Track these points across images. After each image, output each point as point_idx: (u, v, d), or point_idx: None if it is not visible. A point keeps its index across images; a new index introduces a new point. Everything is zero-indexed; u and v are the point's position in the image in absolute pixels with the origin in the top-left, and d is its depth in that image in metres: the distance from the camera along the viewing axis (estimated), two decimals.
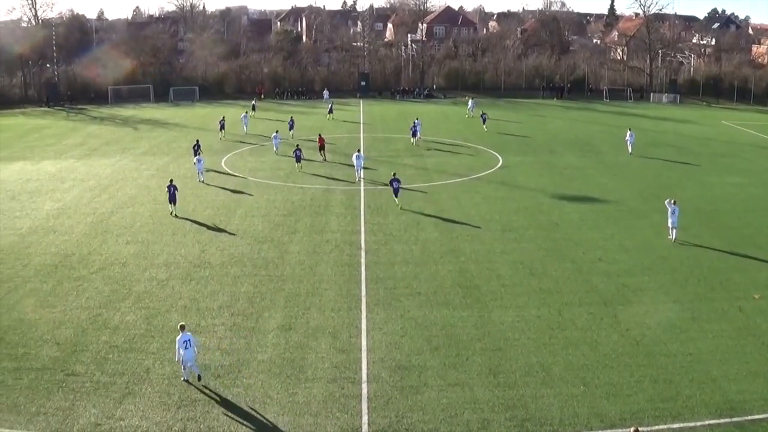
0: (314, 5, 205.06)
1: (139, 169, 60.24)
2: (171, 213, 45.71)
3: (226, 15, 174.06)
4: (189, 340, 25.06)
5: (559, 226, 42.83)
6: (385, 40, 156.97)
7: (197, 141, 63.13)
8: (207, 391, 24.70)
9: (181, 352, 24.93)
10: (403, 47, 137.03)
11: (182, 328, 25.56)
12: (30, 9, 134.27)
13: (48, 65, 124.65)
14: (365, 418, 23.10)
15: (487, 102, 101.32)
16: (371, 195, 49.14)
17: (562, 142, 69.73)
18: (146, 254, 38.91)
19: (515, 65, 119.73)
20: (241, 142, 71.33)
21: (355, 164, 54.29)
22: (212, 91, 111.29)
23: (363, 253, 37.91)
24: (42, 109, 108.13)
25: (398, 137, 72.33)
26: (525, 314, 30.48)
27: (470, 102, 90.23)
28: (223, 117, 76.80)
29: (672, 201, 40.26)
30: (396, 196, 46.96)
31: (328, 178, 54.53)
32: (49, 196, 52.43)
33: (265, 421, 23.09)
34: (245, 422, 23.00)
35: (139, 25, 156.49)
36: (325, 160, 61.11)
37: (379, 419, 23.02)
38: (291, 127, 73.25)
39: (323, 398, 24.16)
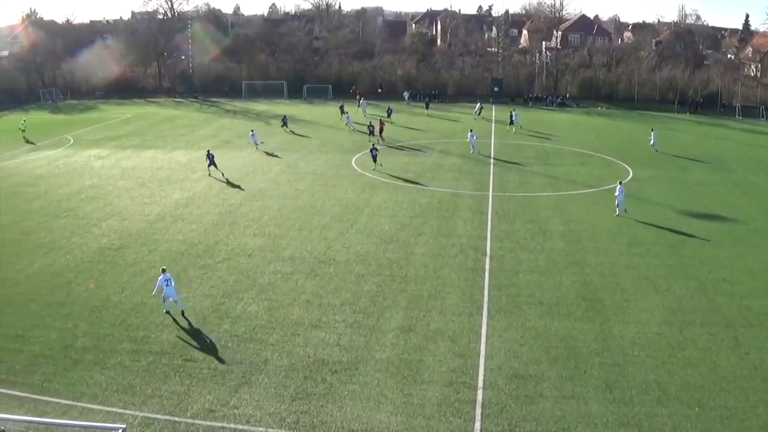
0: (449, 8, 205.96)
1: (269, 164, 62.28)
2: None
3: (361, 15, 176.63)
4: (169, 279, 31.04)
5: (685, 243, 41.68)
6: (520, 46, 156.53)
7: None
8: (323, 386, 25.36)
9: (164, 288, 30.91)
10: (537, 54, 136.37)
11: (164, 270, 31.68)
12: (166, 1, 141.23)
13: (183, 57, 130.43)
14: (478, 425, 23.21)
15: (619, 113, 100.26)
16: (500, 201, 49.12)
17: (692, 158, 67.81)
18: (272, 247, 40.28)
19: (649, 77, 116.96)
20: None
21: (470, 141, 63.92)
22: (345, 90, 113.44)
23: (488, 259, 37.97)
24: (175, 99, 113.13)
25: (528, 144, 71.92)
26: (646, 331, 29.90)
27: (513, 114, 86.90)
28: (371, 123, 76.74)
29: None
30: (375, 161, 57.75)
31: (457, 180, 54.85)
32: (179, 185, 55.23)
33: (378, 419, 23.52)
34: (358, 419, 23.47)
35: (274, 22, 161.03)
36: (381, 141, 70.66)
37: (492, 426, 23.10)
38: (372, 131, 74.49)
39: (438, 401, 24.42)
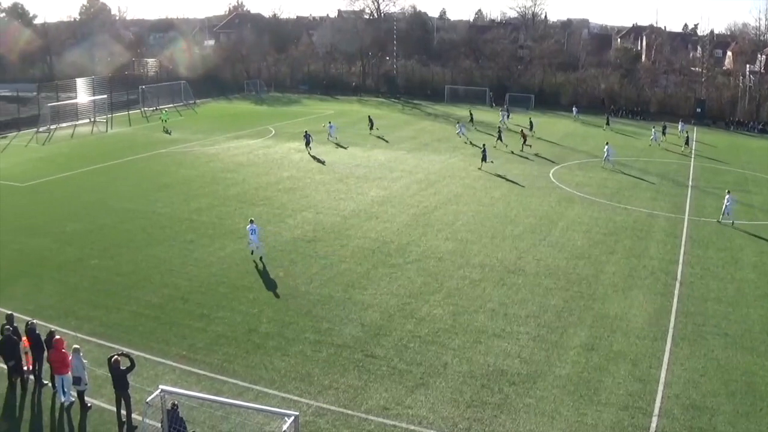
0: (655, 25, 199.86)
1: (467, 169, 62.37)
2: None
3: (567, 26, 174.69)
4: (255, 229, 38.49)
5: None
6: (724, 67, 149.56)
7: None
8: (499, 396, 25.10)
9: (250, 236, 38.44)
10: (741, 77, 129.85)
11: (251, 221, 39.45)
12: (373, 2, 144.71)
13: (387, 58, 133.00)
14: None
15: None
16: (694, 225, 46.99)
17: None
18: (463, 252, 40.27)
19: None
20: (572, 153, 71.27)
21: (606, 154, 64.92)
22: (548, 101, 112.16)
23: (678, 285, 36.47)
24: (377, 99, 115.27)
25: (727, 169, 68.25)
26: None
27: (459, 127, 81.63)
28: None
29: None
30: (308, 146, 68.62)
31: (653, 201, 52.90)
32: (376, 183, 56.33)
33: None
34: None
35: (480, 29, 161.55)
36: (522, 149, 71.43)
37: None
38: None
39: (611, 424, 23.64)
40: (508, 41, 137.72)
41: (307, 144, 69.85)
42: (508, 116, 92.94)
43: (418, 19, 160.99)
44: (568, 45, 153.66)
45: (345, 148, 72.81)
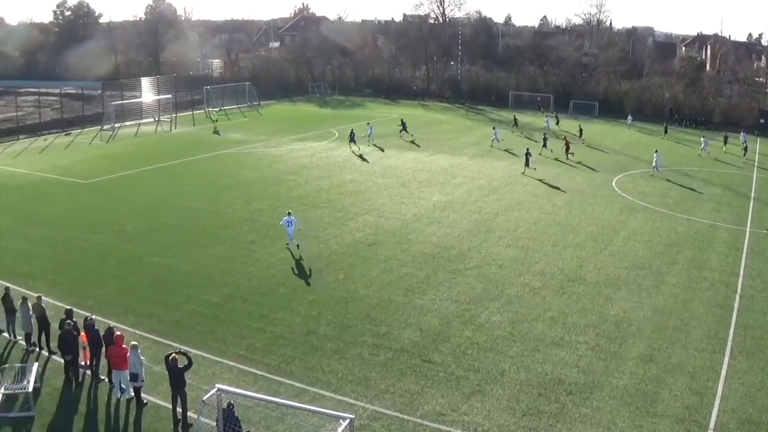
0: (720, 34, 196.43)
1: (529, 176, 61.88)
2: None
3: (632, 34, 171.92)
4: (291, 221, 40.44)
5: None
6: None
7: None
8: (555, 405, 24.88)
9: (286, 227, 40.41)
10: None
11: (289, 213, 41.31)
12: (438, 6, 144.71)
13: (452, 63, 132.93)
14: None
15: None
16: (756, 238, 46.03)
17: None
18: (524, 260, 40.04)
19: None
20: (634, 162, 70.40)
21: (655, 162, 64.30)
22: (612, 108, 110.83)
23: (737, 297, 35.75)
24: (441, 104, 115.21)
25: None
26: None
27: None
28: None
29: None
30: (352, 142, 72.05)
31: (715, 212, 51.94)
32: (438, 188, 56.33)
33: None
34: None
35: (545, 35, 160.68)
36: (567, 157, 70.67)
37: None
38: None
39: None
40: (572, 48, 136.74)
41: (352, 140, 73.00)
42: (557, 122, 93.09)
43: (483, 24, 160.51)
44: (633, 53, 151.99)
45: (382, 150, 73.83)
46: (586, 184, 59.38)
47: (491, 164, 66.43)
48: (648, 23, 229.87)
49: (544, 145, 73.19)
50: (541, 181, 60.09)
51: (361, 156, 69.31)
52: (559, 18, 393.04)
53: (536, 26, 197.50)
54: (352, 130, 75.00)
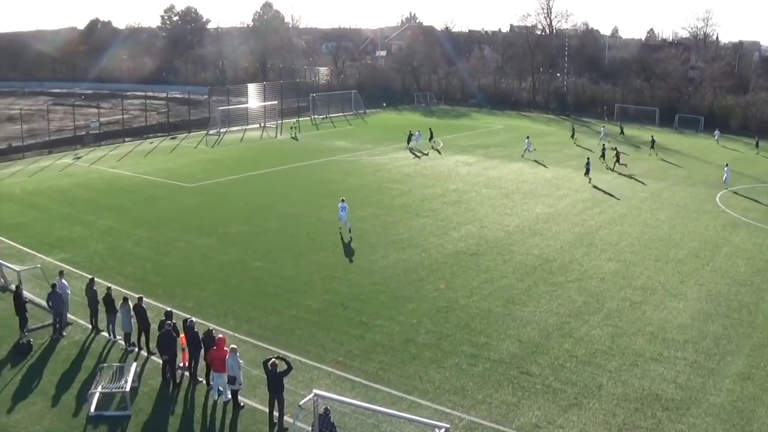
0: None
1: (633, 190, 61.20)
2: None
3: (738, 48, 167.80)
4: (344, 207, 45.13)
5: None
6: None
7: None
8: (651, 421, 24.62)
9: (340, 213, 45.26)
10: None
11: (342, 200, 45.89)
12: (545, 18, 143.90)
13: (558, 75, 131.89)
14: None
15: None
16: None
17: None
18: (625, 274, 39.62)
19: None
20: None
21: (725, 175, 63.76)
22: (717, 123, 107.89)
23: None
24: (547, 116, 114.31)
25: None
26: None
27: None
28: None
29: None
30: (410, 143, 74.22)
31: None
32: (542, 200, 56.22)
33: None
34: None
35: (651, 48, 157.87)
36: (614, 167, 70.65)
37: None
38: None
39: None
40: (679, 61, 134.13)
41: (409, 141, 77.79)
42: (621, 132, 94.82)
43: (590, 36, 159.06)
44: (739, 68, 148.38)
45: (426, 154, 76.12)
46: (690, 198, 58.21)
47: (596, 177, 65.63)
48: (755, 38, 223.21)
49: (602, 156, 73.21)
50: (644, 195, 59.22)
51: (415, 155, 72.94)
52: (666, 31, 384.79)
53: (643, 39, 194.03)
54: (410, 131, 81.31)
